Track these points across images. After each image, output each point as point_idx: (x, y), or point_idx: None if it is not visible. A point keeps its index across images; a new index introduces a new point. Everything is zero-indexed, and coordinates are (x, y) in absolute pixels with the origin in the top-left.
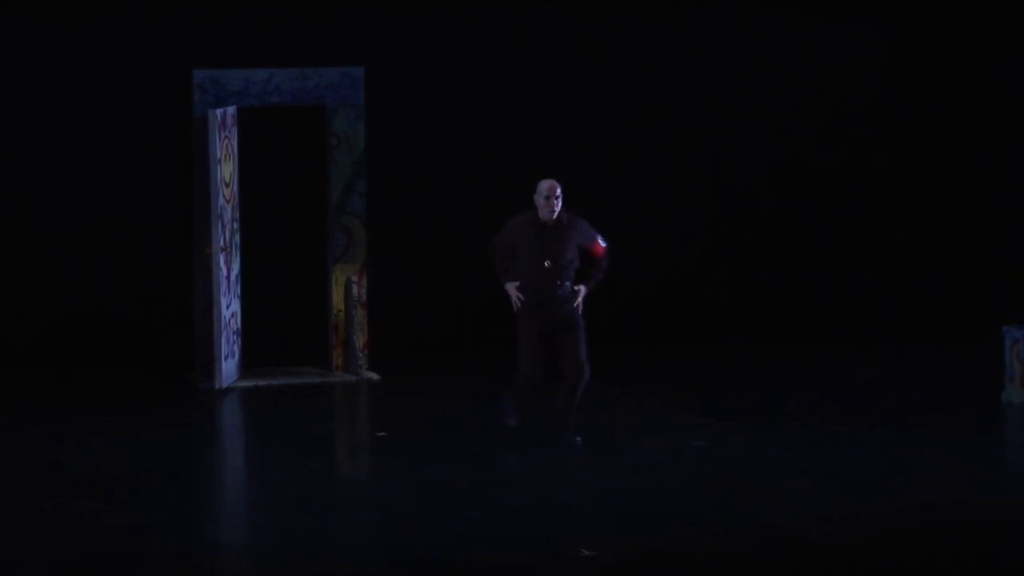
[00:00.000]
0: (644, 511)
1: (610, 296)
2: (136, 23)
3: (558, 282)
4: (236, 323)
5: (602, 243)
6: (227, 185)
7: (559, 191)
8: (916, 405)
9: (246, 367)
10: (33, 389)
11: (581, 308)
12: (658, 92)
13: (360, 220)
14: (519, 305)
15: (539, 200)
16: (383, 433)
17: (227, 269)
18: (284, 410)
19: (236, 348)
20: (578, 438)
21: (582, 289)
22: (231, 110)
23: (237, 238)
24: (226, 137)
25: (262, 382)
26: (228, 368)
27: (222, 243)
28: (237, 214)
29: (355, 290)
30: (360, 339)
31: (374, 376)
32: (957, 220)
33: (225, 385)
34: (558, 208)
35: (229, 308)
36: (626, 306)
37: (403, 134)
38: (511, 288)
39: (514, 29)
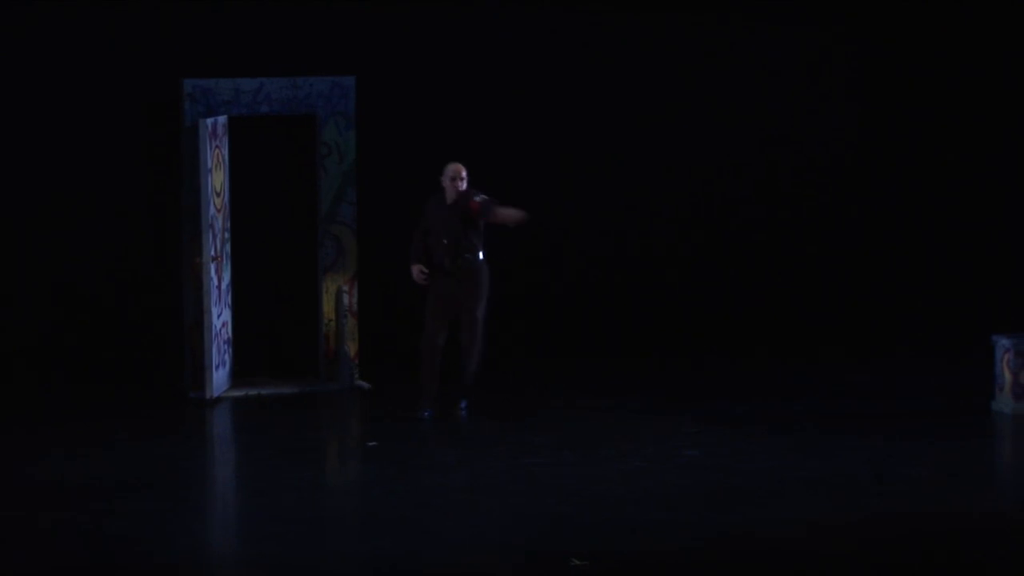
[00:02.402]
0: (636, 520)
1: (605, 303)
2: (125, 32)
3: (464, 256)
4: (227, 332)
5: (476, 199)
6: (217, 195)
7: (464, 174)
8: (908, 414)
9: (237, 376)
10: (22, 399)
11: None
12: (653, 98)
13: (351, 229)
14: (423, 279)
15: (445, 182)
16: (374, 443)
17: (218, 278)
18: (274, 420)
19: (227, 357)
20: (464, 403)
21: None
22: (222, 119)
23: (228, 247)
24: (216, 146)
25: (252, 391)
26: (219, 377)
27: (213, 252)
28: (228, 224)
29: (346, 299)
30: (351, 348)
31: (365, 385)
32: (948, 228)
33: (216, 395)
34: (462, 189)
35: (220, 317)
36: (622, 313)
37: (394, 143)
38: (415, 269)
39: (506, 37)
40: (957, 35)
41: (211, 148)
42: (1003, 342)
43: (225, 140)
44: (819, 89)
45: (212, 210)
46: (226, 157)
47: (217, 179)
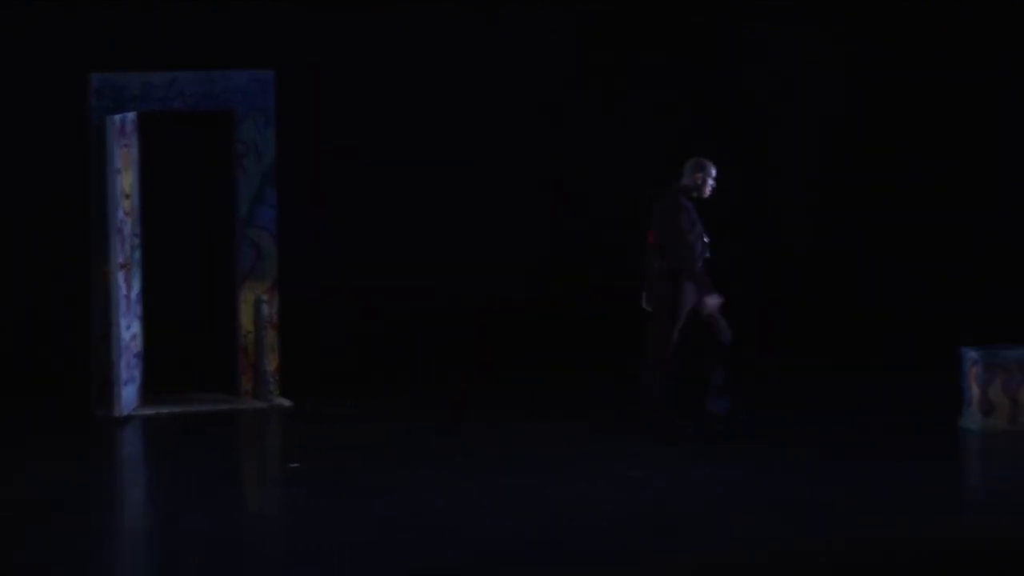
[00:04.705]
0: (578, 548)
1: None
2: (29, 25)
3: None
4: (137, 346)
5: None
6: (127, 197)
7: None
8: (872, 430)
9: (147, 393)
10: None
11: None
12: (603, 99)
13: (270, 234)
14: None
15: (709, 180)
16: (295, 464)
17: (127, 287)
18: (189, 439)
19: (137, 373)
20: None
21: None
22: (130, 116)
23: (138, 254)
24: (125, 145)
25: (165, 409)
26: (128, 394)
27: (121, 259)
28: (138, 228)
29: (265, 310)
30: (271, 363)
31: (285, 402)
32: (913, 238)
33: (125, 412)
34: None
35: (129, 329)
36: (577, 327)
37: (316, 141)
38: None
39: (431, 30)
40: (936, 45)
41: (119, 147)
42: (971, 355)
43: (135, 138)
44: (803, 103)
45: (120, 214)
46: (136, 156)
47: (126, 180)
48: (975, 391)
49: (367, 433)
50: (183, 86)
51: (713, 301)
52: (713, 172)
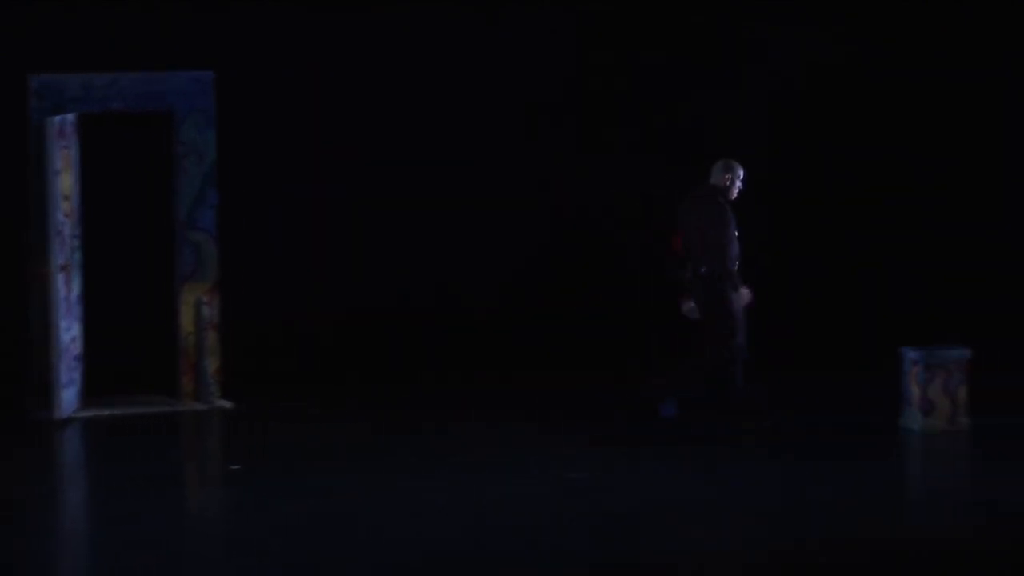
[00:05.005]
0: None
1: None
2: None
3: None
4: (77, 348)
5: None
6: (66, 198)
7: None
8: (815, 432)
9: (88, 395)
10: None
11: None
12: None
13: (211, 235)
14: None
15: (737, 181)
16: (236, 466)
17: (67, 289)
18: (129, 442)
19: (77, 375)
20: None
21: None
22: (70, 117)
23: (78, 256)
24: (65, 147)
25: (105, 412)
26: (68, 397)
27: (61, 261)
28: (78, 230)
29: (206, 311)
30: (211, 364)
31: (226, 404)
32: (855, 238)
33: (65, 415)
34: None
35: (69, 332)
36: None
37: (257, 142)
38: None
39: (372, 31)
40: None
41: (59, 148)
42: (911, 355)
43: (74, 139)
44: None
45: (60, 215)
46: (76, 158)
47: (65, 182)
48: (915, 391)
49: (305, 436)
50: (123, 87)
51: (746, 296)
52: (741, 173)
